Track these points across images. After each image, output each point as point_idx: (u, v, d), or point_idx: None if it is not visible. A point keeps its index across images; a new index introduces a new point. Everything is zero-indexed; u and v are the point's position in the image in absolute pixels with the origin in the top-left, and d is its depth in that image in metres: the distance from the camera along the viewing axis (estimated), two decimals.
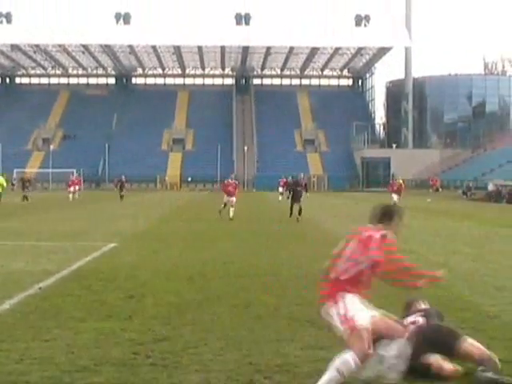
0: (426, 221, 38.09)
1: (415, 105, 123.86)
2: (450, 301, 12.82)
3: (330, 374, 7.24)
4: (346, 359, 7.24)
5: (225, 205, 37.46)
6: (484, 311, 11.95)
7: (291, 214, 36.61)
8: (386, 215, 7.86)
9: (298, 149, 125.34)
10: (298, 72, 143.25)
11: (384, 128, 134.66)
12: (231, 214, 36.21)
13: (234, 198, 37.33)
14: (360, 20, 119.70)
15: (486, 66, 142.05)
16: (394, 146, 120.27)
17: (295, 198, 36.96)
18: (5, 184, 57.54)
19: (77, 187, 67.69)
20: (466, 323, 10.78)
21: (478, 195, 75.44)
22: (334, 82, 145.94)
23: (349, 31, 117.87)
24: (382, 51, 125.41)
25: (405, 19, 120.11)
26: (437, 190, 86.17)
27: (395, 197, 49.90)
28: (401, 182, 54.71)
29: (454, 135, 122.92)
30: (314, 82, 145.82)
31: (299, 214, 35.79)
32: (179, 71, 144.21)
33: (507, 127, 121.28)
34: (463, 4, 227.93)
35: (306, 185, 40.57)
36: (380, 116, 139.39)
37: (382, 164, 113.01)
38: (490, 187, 75.26)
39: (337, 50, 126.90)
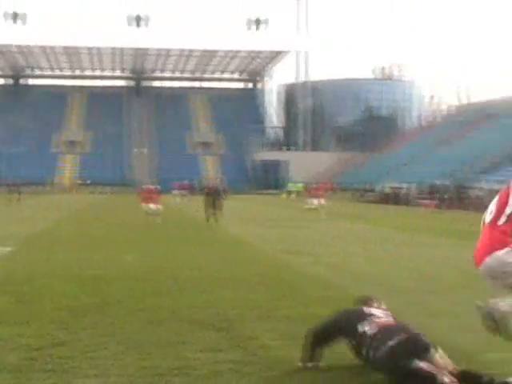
0: (322, 223, 38.53)
1: (311, 108, 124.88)
2: (346, 301, 13.01)
3: None
4: None
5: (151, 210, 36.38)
6: None
7: (208, 219, 35.73)
8: None
9: (194, 151, 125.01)
10: (194, 74, 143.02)
11: (278, 131, 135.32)
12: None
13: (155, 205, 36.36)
14: (257, 23, 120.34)
15: (377, 70, 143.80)
16: (291, 148, 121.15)
17: (211, 203, 36.38)
18: None
19: None
20: None
21: (374, 197, 76.60)
22: (230, 84, 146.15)
23: (245, 34, 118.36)
24: (279, 55, 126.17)
25: (301, 24, 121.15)
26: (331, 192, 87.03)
27: (316, 201, 47.84)
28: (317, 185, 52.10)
29: (349, 138, 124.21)
30: (210, 84, 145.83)
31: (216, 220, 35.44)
32: (75, 72, 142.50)
33: (400, 130, 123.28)
34: (356, 11, 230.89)
35: (223, 190, 39.81)
36: (274, 119, 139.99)
37: (278, 167, 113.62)
38: (386, 189, 76.47)
39: (233, 52, 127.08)
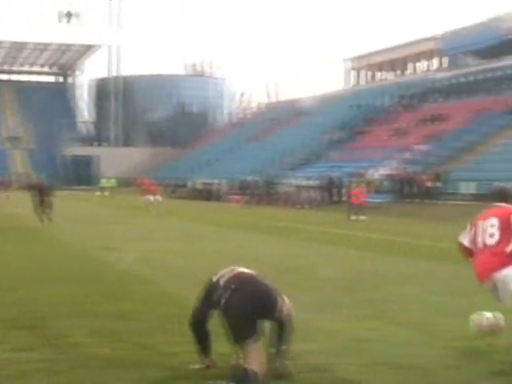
0: (133, 219, 38.39)
1: (124, 103, 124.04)
2: (157, 297, 13.05)
3: None
4: None
5: None
6: (190, 306, 12.22)
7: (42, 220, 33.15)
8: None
9: (3, 146, 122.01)
10: (3, 67, 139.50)
11: (90, 126, 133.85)
12: None
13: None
14: (68, 16, 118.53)
15: (189, 67, 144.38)
16: (102, 144, 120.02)
17: (38, 201, 33.78)
18: None
19: None
20: (173, 318, 11.00)
21: (186, 193, 76.83)
22: (39, 78, 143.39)
23: (54, 27, 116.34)
24: (90, 49, 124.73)
25: (115, 18, 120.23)
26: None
27: (152, 198, 44.99)
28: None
29: (161, 134, 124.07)
30: (18, 77, 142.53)
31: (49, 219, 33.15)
32: None
33: (211, 126, 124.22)
34: (169, 8, 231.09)
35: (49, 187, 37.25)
36: (88, 114, 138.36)
37: (90, 162, 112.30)
38: (197, 185, 76.83)
39: (43, 45, 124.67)
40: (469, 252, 9.60)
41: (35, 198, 34.36)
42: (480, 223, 9.28)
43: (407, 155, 57.24)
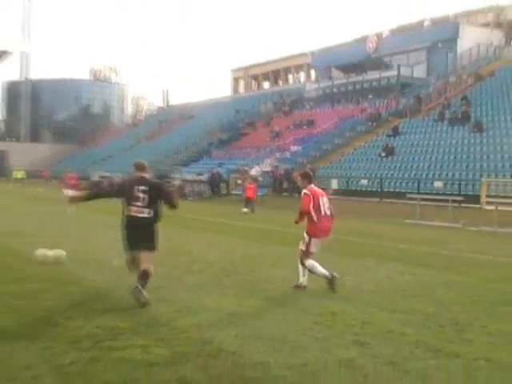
0: (39, 207, 37.69)
1: (32, 104, 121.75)
2: (59, 277, 12.84)
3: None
4: None
5: None
6: (88, 285, 12.09)
7: None
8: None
9: None
10: None
11: (2, 124, 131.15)
12: None
13: None
14: None
15: (93, 72, 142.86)
16: (11, 139, 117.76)
17: None
18: None
19: None
20: (74, 296, 10.87)
21: (84, 185, 75.84)
22: None
23: None
24: (3, 54, 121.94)
25: (22, 26, 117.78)
26: (48, 180, 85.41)
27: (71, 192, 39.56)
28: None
29: (63, 132, 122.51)
30: None
31: None
32: None
33: (109, 127, 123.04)
34: (74, 17, 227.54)
35: None
36: (0, 113, 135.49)
37: (3, 156, 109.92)
38: (95, 178, 75.91)
39: None
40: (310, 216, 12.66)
41: None
42: (321, 199, 12.75)
43: (282, 155, 57.76)
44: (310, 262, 12.57)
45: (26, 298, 10.66)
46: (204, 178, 57.02)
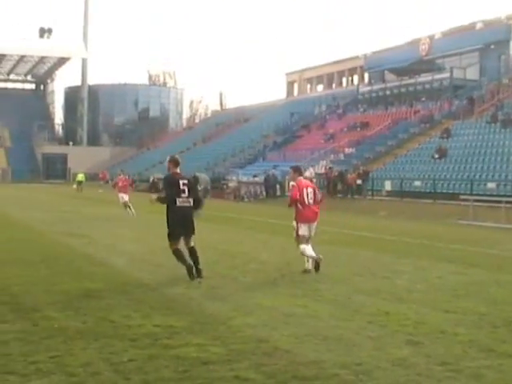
0: (96, 208, 38.11)
1: (90, 108, 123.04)
2: (116, 277, 12.99)
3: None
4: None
5: None
6: (145, 284, 12.20)
7: None
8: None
9: None
10: None
11: (62, 128, 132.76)
12: None
13: None
14: (43, 32, 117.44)
15: (150, 77, 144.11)
16: (71, 143, 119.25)
17: None
18: None
19: None
20: (131, 296, 10.98)
21: (142, 187, 76.50)
22: (18, 85, 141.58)
23: (33, 41, 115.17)
24: (62, 60, 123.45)
25: (82, 33, 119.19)
26: (107, 182, 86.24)
27: (125, 197, 35.30)
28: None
29: (122, 135, 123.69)
30: (1, 85, 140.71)
31: None
32: None
33: (166, 130, 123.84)
34: (132, 23, 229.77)
35: None
36: (59, 117, 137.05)
37: (59, 159, 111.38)
38: (153, 179, 76.43)
39: (22, 57, 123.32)
40: (296, 204, 14.48)
41: None
42: (305, 189, 14.55)
43: (336, 157, 57.60)
44: (302, 246, 14.47)
45: (85, 297, 10.80)
46: (259, 179, 57.11)
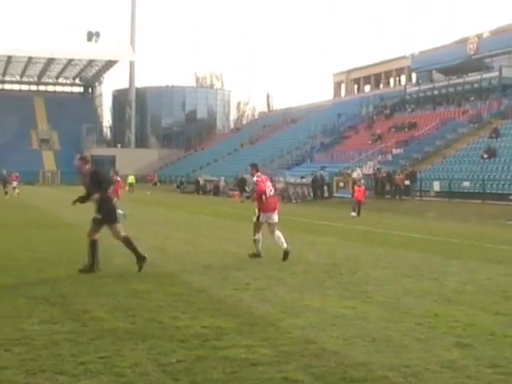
0: (145, 210, 38.36)
1: (137, 111, 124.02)
2: (165, 278, 13.05)
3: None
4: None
5: None
6: (193, 286, 12.23)
7: None
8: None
9: (35, 147, 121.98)
10: (36, 79, 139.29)
11: (110, 130, 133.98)
12: None
13: None
14: (91, 36, 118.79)
15: (197, 79, 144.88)
16: (119, 145, 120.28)
17: None
18: None
19: None
20: (179, 297, 11.02)
21: (190, 188, 76.84)
22: (67, 88, 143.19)
23: (81, 45, 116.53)
24: (110, 64, 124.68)
25: (130, 37, 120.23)
26: (155, 184, 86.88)
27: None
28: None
29: (169, 137, 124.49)
30: (50, 88, 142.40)
31: None
32: None
33: (214, 132, 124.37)
34: (178, 26, 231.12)
35: None
36: (107, 120, 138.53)
37: (108, 161, 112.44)
38: (200, 181, 76.81)
39: (70, 61, 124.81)
40: (261, 197, 16.37)
41: None
42: (267, 183, 16.75)
43: (384, 157, 57.30)
44: (258, 236, 16.38)
45: (134, 298, 10.87)
46: (307, 181, 57.04)
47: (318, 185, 54.54)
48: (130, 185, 71.92)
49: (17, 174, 59.74)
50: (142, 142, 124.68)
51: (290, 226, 28.36)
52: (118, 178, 30.14)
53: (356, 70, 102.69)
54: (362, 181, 42.95)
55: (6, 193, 51.85)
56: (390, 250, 19.30)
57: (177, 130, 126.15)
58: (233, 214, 37.05)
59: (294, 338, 8.35)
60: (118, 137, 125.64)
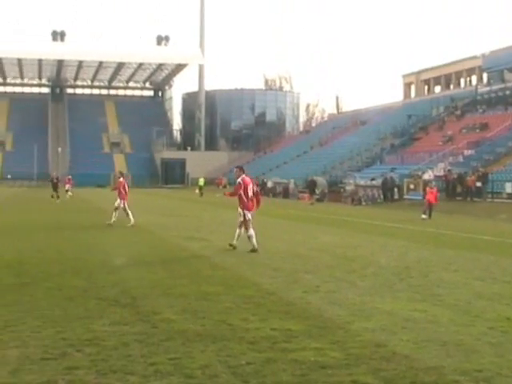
0: (215, 212, 38.56)
1: (207, 114, 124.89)
2: (234, 280, 13.09)
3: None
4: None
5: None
6: (263, 288, 12.24)
7: None
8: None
9: (106, 150, 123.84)
10: (107, 83, 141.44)
11: (180, 133, 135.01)
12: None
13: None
14: (160, 40, 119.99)
15: (266, 82, 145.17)
16: (189, 148, 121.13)
17: None
18: None
19: None
20: (249, 299, 11.04)
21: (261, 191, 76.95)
22: (137, 92, 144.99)
23: (151, 49, 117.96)
24: (179, 67, 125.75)
25: (199, 40, 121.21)
26: (224, 186, 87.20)
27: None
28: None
29: (239, 140, 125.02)
30: (120, 92, 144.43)
31: None
32: (0, 80, 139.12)
33: (283, 134, 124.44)
34: (247, 28, 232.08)
35: None
36: (177, 123, 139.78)
37: (178, 164, 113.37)
38: (269, 184, 76.87)
39: (140, 65, 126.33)
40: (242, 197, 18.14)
41: None
42: (249, 186, 18.26)
43: (455, 159, 56.63)
44: (251, 232, 17.98)
45: (203, 300, 10.92)
46: (377, 183, 56.67)
47: (388, 187, 54.13)
48: (200, 187, 72.38)
49: (69, 176, 60.86)
50: (211, 145, 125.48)
51: (360, 228, 28.27)
52: (122, 179, 29.89)
53: (426, 70, 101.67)
54: (434, 182, 42.47)
55: (58, 197, 51.76)
56: (461, 252, 19.05)
57: (246, 133, 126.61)
58: (302, 216, 37.01)
59: (363, 341, 8.29)
60: (188, 140, 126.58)
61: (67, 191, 56.41)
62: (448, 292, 12.09)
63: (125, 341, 8.18)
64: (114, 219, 27.46)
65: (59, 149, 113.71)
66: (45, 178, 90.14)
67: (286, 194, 70.25)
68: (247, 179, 18.58)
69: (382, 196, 54.66)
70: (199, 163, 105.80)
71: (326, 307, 10.48)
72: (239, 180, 18.38)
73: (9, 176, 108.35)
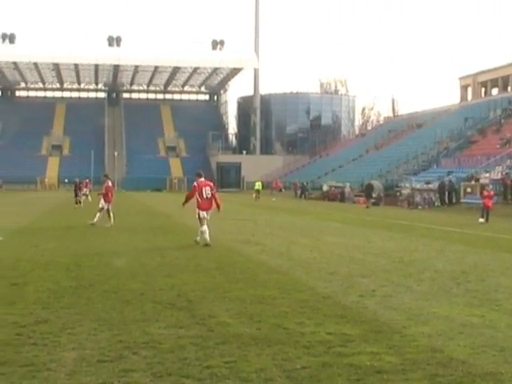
0: (270, 216, 38.57)
1: (262, 117, 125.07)
2: (290, 284, 13.09)
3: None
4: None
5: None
6: (319, 293, 12.22)
7: None
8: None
9: (162, 154, 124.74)
10: (162, 88, 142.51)
11: (236, 137, 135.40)
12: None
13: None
14: (216, 44, 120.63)
15: (321, 85, 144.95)
16: (244, 152, 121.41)
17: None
18: None
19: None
20: (305, 303, 11.04)
21: (315, 195, 76.75)
22: (192, 96, 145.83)
23: (206, 53, 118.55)
24: (235, 71, 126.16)
25: (254, 44, 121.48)
26: (280, 190, 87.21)
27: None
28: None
29: (294, 144, 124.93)
30: (176, 96, 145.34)
31: None
32: (58, 85, 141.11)
33: (338, 137, 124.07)
34: (302, 32, 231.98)
35: None
36: (232, 127, 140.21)
37: (234, 168, 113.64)
38: (325, 188, 76.65)
39: (196, 69, 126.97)
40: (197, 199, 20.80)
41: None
42: (204, 188, 20.80)
43: None
44: (204, 228, 20.31)
45: (259, 304, 10.95)
46: (433, 186, 56.15)
47: (444, 190, 53.59)
48: (257, 191, 72.29)
49: (87, 180, 59.86)
50: (266, 149, 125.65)
51: (416, 232, 28.02)
52: (110, 183, 29.89)
53: (483, 72, 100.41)
54: (491, 186, 41.94)
55: (79, 202, 50.89)
56: None
57: (301, 137, 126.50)
58: (358, 220, 36.84)
59: (420, 346, 8.24)
60: (244, 144, 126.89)
61: (86, 195, 54.77)
62: (506, 297, 11.94)
63: (181, 344, 8.25)
64: (96, 219, 28.87)
65: (115, 153, 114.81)
66: (102, 183, 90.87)
67: (342, 197, 69.96)
68: (203, 182, 21.14)
69: (438, 200, 54.12)
70: (254, 167, 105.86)
71: (382, 311, 10.44)
72: (195, 183, 21.20)
73: (66, 180, 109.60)
